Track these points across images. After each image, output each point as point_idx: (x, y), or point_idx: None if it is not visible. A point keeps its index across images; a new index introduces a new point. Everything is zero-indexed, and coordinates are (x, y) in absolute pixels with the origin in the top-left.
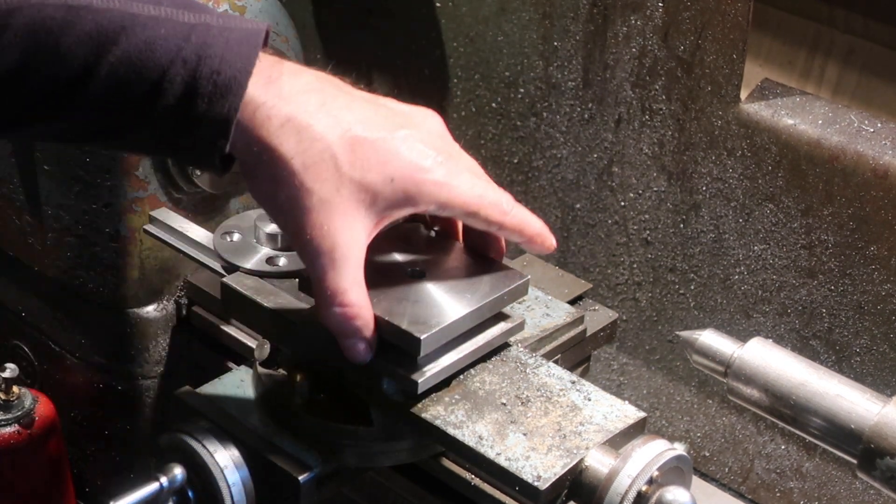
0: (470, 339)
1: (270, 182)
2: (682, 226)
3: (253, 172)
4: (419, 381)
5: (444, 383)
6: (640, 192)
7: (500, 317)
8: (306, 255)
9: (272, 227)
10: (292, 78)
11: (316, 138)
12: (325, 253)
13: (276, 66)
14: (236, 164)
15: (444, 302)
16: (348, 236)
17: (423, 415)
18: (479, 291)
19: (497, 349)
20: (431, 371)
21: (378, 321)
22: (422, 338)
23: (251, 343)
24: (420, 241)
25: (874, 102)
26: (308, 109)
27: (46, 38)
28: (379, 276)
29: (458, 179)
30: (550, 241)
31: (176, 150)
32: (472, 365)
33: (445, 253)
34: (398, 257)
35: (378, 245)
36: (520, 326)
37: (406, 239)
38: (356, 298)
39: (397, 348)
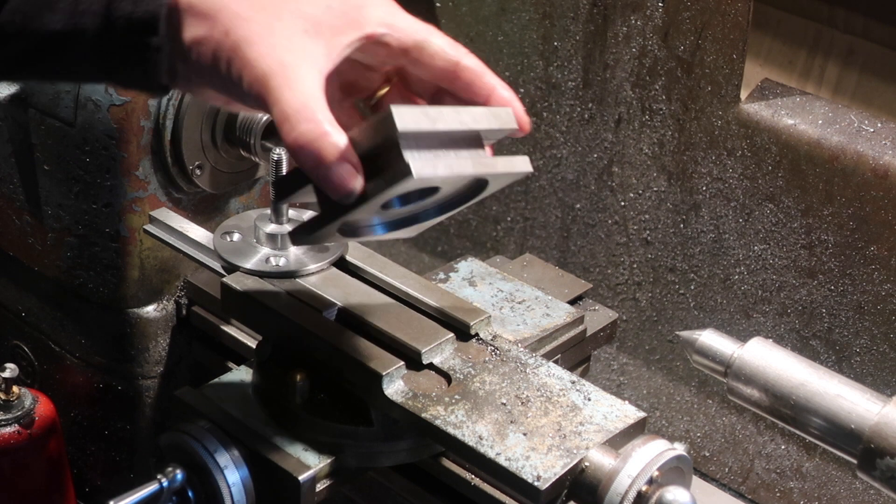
0: (463, 148)
1: (208, 47)
2: (682, 226)
3: (191, 51)
4: (411, 162)
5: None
6: (640, 192)
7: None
8: (258, 87)
9: (272, 227)
10: None
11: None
12: (275, 74)
13: None
14: None
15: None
16: (298, 56)
17: (423, 415)
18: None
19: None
20: (422, 156)
21: (352, 140)
22: (395, 109)
23: (251, 343)
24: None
25: (874, 102)
26: None
27: None
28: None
29: (401, 12)
30: (522, 116)
31: (106, 65)
32: (461, 177)
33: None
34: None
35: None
36: (525, 168)
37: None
38: (321, 115)
39: (379, 158)
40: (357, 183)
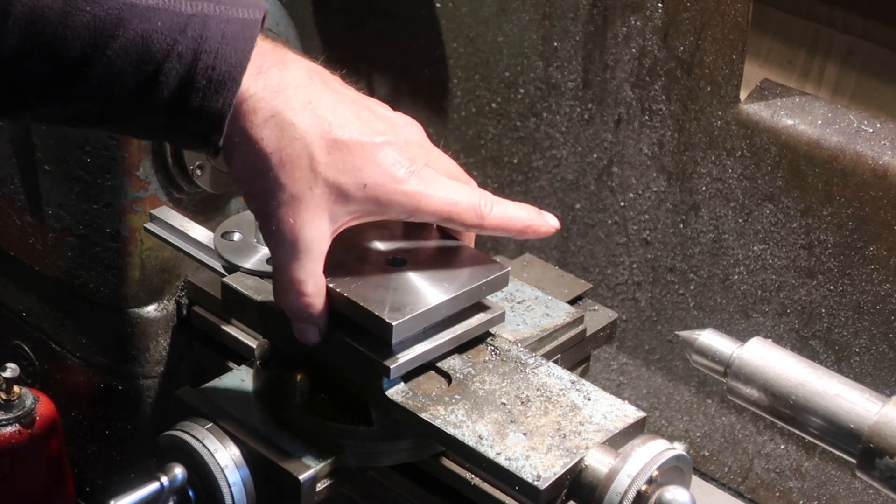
0: (447, 329)
1: (248, 170)
2: (681, 226)
3: (233, 158)
4: (391, 367)
5: (421, 369)
6: (640, 192)
7: (480, 307)
8: (271, 243)
9: None
10: (282, 70)
11: (296, 136)
12: (289, 245)
13: (268, 56)
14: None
15: (423, 290)
16: (314, 232)
17: (423, 414)
18: (457, 280)
19: (476, 340)
20: (405, 358)
21: (354, 307)
22: (394, 324)
23: (251, 343)
24: (402, 229)
25: (873, 103)
26: (293, 106)
27: (44, 27)
28: (359, 262)
29: (431, 188)
30: (545, 226)
31: (170, 138)
32: (449, 354)
33: (427, 242)
34: (379, 244)
35: (360, 231)
36: (500, 318)
37: (388, 226)
38: (312, 289)
39: (373, 334)
40: (316, 340)
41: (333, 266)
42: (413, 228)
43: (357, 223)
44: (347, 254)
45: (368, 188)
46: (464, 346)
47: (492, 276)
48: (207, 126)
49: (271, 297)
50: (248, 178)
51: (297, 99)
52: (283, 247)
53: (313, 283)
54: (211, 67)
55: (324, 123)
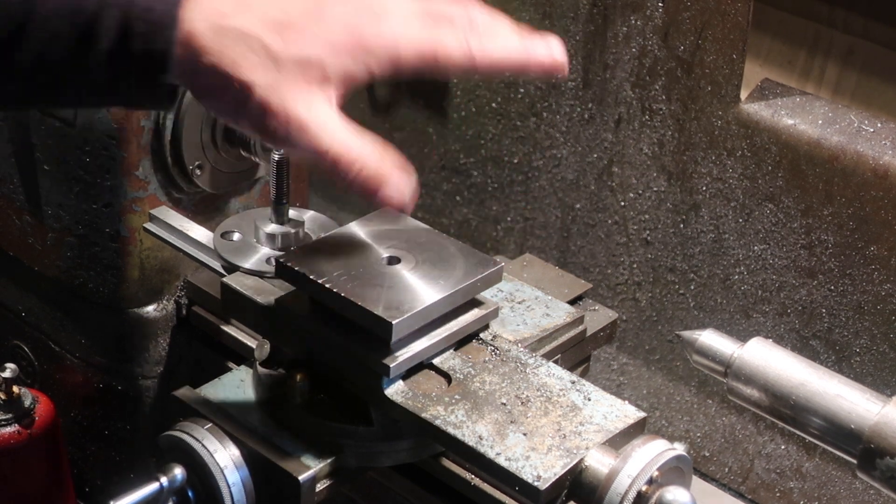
0: (443, 325)
1: (212, 91)
2: (682, 226)
3: (194, 88)
4: (391, 365)
5: (419, 368)
6: (640, 192)
7: (475, 303)
8: (282, 140)
9: (272, 227)
10: None
11: (238, 37)
12: (297, 131)
13: None
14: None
15: (418, 288)
16: (310, 109)
17: (423, 415)
18: (452, 278)
19: (472, 336)
20: (404, 356)
21: (352, 306)
22: (394, 322)
23: (251, 343)
24: (396, 227)
25: (874, 102)
26: (224, 12)
27: None
28: (354, 261)
29: (402, 26)
30: (549, 57)
31: (117, 94)
32: (445, 350)
33: (420, 239)
34: (373, 243)
35: (354, 231)
36: (494, 313)
37: (382, 225)
38: (356, 151)
39: (371, 333)
40: (410, 189)
41: (328, 266)
42: (406, 226)
43: (351, 84)
44: (342, 253)
45: (337, 47)
46: (460, 343)
47: (486, 272)
48: (154, 69)
49: (271, 298)
50: (220, 100)
51: (225, 6)
52: (296, 133)
53: (356, 140)
54: (147, 10)
55: (261, 13)
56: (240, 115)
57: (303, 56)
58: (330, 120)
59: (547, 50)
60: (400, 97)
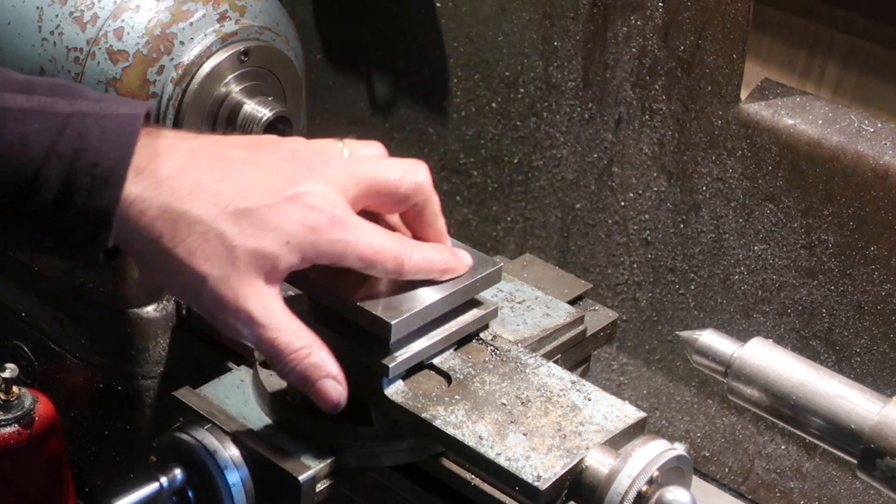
0: (442, 325)
1: (166, 274)
2: (682, 226)
3: (145, 266)
4: (390, 365)
5: (419, 368)
6: (640, 192)
7: (474, 303)
8: (233, 331)
9: None
10: (164, 160)
11: (194, 222)
12: (247, 324)
13: (146, 150)
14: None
15: (417, 288)
16: (261, 302)
17: (423, 415)
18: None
19: (471, 336)
20: (403, 356)
21: (351, 307)
22: (392, 323)
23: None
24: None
25: (874, 102)
26: (180, 195)
27: None
28: None
29: (353, 233)
30: (461, 266)
31: (57, 246)
32: (445, 350)
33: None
34: None
35: None
36: (493, 313)
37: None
38: (301, 342)
39: (370, 334)
40: (342, 397)
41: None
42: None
43: (291, 272)
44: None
45: (292, 244)
46: (460, 343)
47: (486, 273)
48: (95, 226)
49: None
50: (172, 281)
51: (183, 186)
52: (245, 328)
53: (298, 337)
54: (93, 164)
55: (219, 199)
56: (190, 300)
57: (258, 249)
58: (277, 312)
59: (458, 263)
60: (400, 97)
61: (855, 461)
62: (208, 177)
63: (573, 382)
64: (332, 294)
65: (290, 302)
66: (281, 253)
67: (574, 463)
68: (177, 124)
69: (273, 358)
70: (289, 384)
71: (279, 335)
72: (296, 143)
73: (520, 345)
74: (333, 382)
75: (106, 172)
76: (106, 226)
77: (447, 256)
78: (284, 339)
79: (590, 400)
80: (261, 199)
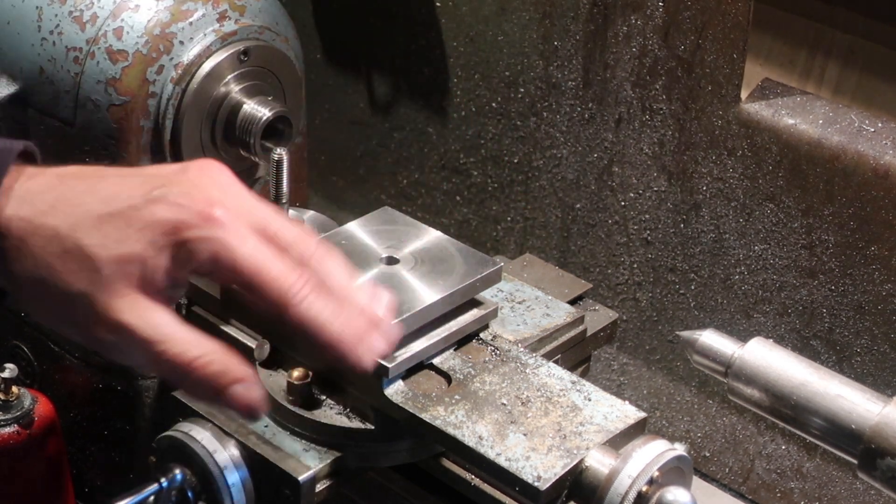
0: (442, 325)
1: (38, 303)
2: (682, 226)
3: (22, 302)
4: (390, 366)
5: (418, 368)
6: (641, 191)
7: (474, 303)
8: (119, 355)
9: None
10: (26, 181)
11: (51, 237)
12: (129, 340)
13: (14, 177)
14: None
15: (417, 288)
16: (138, 313)
17: (423, 415)
18: (451, 278)
19: (471, 336)
20: (403, 356)
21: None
22: (392, 323)
23: (251, 343)
24: (395, 227)
25: (875, 102)
26: (41, 208)
27: None
28: (353, 261)
29: (236, 240)
30: (355, 358)
31: None
32: (445, 350)
33: (420, 239)
34: (373, 243)
35: (353, 231)
36: (493, 313)
37: (381, 225)
38: (196, 350)
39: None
40: (260, 404)
41: None
42: (405, 226)
43: (180, 283)
44: (341, 253)
45: (158, 244)
46: (460, 343)
47: (485, 273)
48: None
49: None
50: (44, 311)
51: (43, 202)
52: (129, 343)
53: (194, 345)
54: None
55: (79, 209)
56: (67, 328)
57: (122, 255)
58: (162, 323)
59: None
60: (400, 97)
61: (855, 461)
62: (73, 191)
63: (573, 382)
64: None
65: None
66: (147, 255)
67: (574, 463)
68: (176, 124)
69: (169, 374)
70: (290, 381)
71: (167, 346)
72: (197, 162)
73: (520, 345)
74: (245, 386)
75: None
76: None
77: (348, 335)
78: (175, 351)
79: (590, 400)
80: (126, 202)
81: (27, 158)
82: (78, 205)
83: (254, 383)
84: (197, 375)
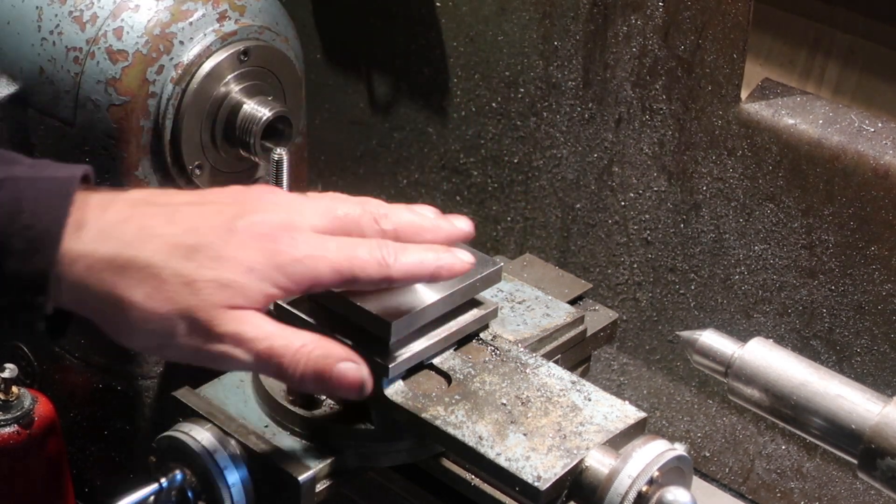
0: (442, 325)
1: (129, 327)
2: (682, 226)
3: (106, 325)
4: (390, 366)
5: (418, 368)
6: (641, 191)
7: (474, 303)
8: (224, 362)
9: None
10: (101, 213)
11: (144, 266)
12: (236, 344)
13: (86, 207)
14: None
15: (418, 288)
16: (240, 320)
17: (423, 415)
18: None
19: (471, 336)
20: (403, 356)
21: (351, 307)
22: (392, 323)
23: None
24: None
25: (875, 102)
26: (126, 240)
27: None
28: None
29: (321, 248)
30: (458, 263)
31: None
32: (445, 350)
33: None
34: None
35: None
36: (493, 313)
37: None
38: (299, 340)
39: (370, 334)
40: (366, 379)
41: None
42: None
43: (271, 302)
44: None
45: (256, 271)
46: (460, 343)
47: (486, 273)
48: (31, 290)
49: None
50: (136, 334)
51: (126, 232)
52: (236, 346)
53: (292, 337)
54: (27, 227)
55: (168, 240)
56: (164, 348)
57: (220, 279)
58: (263, 323)
59: (454, 259)
60: (400, 97)
61: (855, 461)
62: (153, 221)
63: (573, 382)
64: (332, 293)
65: (290, 303)
66: (245, 281)
67: (574, 463)
68: (176, 124)
69: (277, 368)
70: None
71: (273, 341)
72: (248, 186)
73: (520, 345)
74: (349, 364)
75: (40, 234)
76: (41, 289)
77: (440, 254)
78: (280, 343)
79: (590, 400)
80: (211, 234)
81: (84, 181)
82: (163, 236)
83: (357, 361)
84: (303, 364)
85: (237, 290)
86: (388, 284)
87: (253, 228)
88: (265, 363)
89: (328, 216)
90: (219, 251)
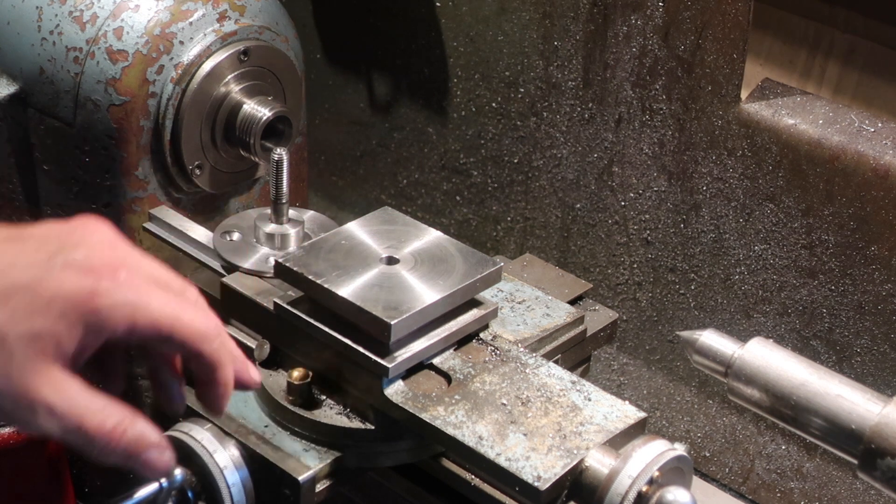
0: (442, 325)
1: None
2: (682, 226)
3: None
4: (390, 366)
5: (418, 368)
6: (641, 191)
7: (474, 303)
8: (42, 430)
9: (272, 227)
10: None
11: None
12: (48, 416)
13: None
14: None
15: (417, 288)
16: (54, 388)
17: (423, 415)
18: (451, 278)
19: (471, 336)
20: (403, 356)
21: (351, 307)
22: (392, 323)
23: (251, 343)
24: (395, 227)
25: (875, 102)
26: None
27: None
28: (353, 261)
29: (145, 298)
30: (252, 379)
31: None
32: (445, 350)
33: (420, 239)
34: (373, 243)
35: (353, 231)
36: (493, 313)
37: (381, 225)
38: (112, 419)
39: (370, 334)
40: (170, 463)
41: (327, 266)
42: (404, 226)
43: (89, 351)
44: (341, 253)
45: (70, 317)
46: (460, 343)
47: (485, 273)
48: None
49: (271, 298)
50: None
51: None
52: (48, 419)
53: (107, 412)
54: None
55: None
56: None
57: (32, 332)
58: (76, 394)
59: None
60: (400, 97)
61: (855, 461)
62: None
63: (573, 382)
64: (332, 293)
65: (290, 300)
66: (59, 330)
67: (574, 463)
68: (176, 124)
69: (87, 445)
70: (289, 381)
71: (84, 419)
72: (75, 219)
73: (520, 345)
74: (158, 451)
75: None
76: None
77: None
78: (93, 422)
79: (590, 400)
80: (28, 272)
81: None
82: None
83: (165, 447)
84: (115, 446)
85: (52, 341)
86: (197, 360)
87: (73, 265)
88: (74, 439)
89: (155, 272)
90: (34, 294)
